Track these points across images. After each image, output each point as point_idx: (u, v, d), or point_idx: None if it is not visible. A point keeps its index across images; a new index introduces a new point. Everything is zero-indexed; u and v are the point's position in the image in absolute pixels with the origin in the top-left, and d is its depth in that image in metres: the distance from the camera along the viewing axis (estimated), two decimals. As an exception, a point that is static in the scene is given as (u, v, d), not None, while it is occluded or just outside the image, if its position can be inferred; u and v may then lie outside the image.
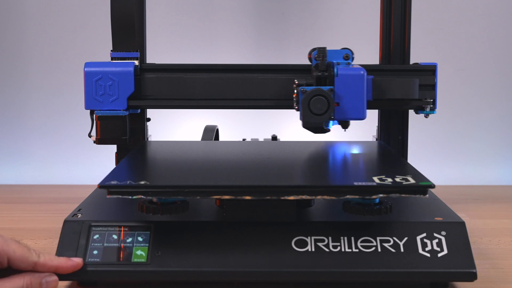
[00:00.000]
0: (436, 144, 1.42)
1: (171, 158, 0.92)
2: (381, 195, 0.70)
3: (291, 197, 0.70)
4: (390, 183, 0.71)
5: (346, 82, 0.85)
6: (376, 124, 1.08)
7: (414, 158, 1.09)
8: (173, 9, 1.40)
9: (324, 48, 0.87)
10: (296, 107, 0.86)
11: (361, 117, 0.86)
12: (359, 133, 1.26)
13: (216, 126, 1.10)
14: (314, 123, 0.85)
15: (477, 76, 1.41)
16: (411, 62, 1.03)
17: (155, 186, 0.71)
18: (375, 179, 0.73)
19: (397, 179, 0.73)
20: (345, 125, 0.90)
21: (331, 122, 0.89)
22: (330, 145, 1.03)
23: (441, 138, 1.42)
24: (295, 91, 0.85)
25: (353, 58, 0.91)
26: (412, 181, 0.72)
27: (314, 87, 0.84)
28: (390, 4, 1.02)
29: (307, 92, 0.83)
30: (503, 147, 1.43)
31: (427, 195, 0.71)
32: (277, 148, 0.98)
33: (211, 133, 1.08)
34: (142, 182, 0.72)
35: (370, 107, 0.92)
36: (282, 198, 0.70)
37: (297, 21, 1.40)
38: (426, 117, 0.98)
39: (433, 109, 0.96)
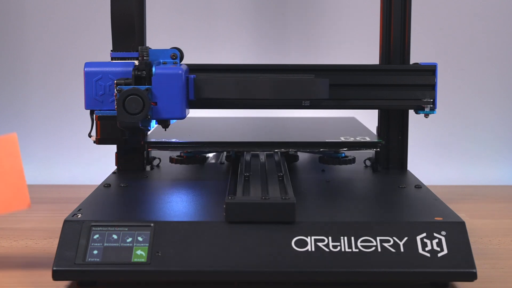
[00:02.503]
0: (436, 144, 1.42)
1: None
2: (345, 149, 0.99)
3: (282, 150, 0.99)
4: (352, 141, 0.98)
5: (162, 82, 0.85)
6: (376, 124, 1.08)
7: (414, 158, 1.10)
8: (173, 9, 1.40)
9: (146, 47, 0.87)
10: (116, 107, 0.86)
11: (179, 116, 0.86)
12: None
13: None
14: (129, 123, 0.84)
15: (477, 76, 1.41)
16: (411, 62, 1.03)
17: (183, 142, 1.00)
18: (342, 138, 1.00)
19: (358, 138, 1.00)
20: (165, 125, 0.90)
21: (153, 121, 0.89)
22: (314, 120, 1.26)
23: (441, 138, 1.42)
24: (115, 90, 0.85)
25: (181, 58, 0.91)
26: (368, 139, 1.00)
27: (130, 87, 0.84)
28: (390, 4, 1.02)
29: (122, 91, 0.83)
30: (503, 147, 1.43)
31: (378, 149, 1.00)
32: (271, 122, 1.23)
33: None
34: (173, 140, 0.99)
35: (194, 106, 0.92)
36: (276, 150, 1.00)
37: (297, 22, 1.40)
38: (426, 117, 0.98)
39: (433, 109, 0.96)
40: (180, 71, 0.85)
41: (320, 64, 0.97)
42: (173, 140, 0.99)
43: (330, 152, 1.03)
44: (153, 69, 0.85)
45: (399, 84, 0.97)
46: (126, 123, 0.84)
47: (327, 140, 0.99)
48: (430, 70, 0.96)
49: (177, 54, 0.90)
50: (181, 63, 0.91)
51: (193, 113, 0.94)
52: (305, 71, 0.94)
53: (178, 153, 1.05)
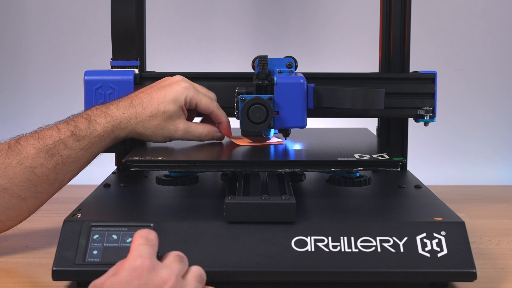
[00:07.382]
0: (436, 144, 1.42)
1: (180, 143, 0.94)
2: (360, 169, 0.81)
3: (286, 169, 0.80)
4: (367, 158, 0.80)
5: (285, 91, 0.85)
6: (376, 124, 1.08)
7: (414, 158, 1.10)
8: (173, 10, 1.40)
9: (265, 56, 0.87)
10: (236, 115, 0.87)
11: (301, 125, 0.87)
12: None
13: None
14: (253, 131, 0.86)
15: (477, 76, 1.41)
16: (411, 64, 1.02)
17: (171, 161, 0.81)
18: (356, 155, 0.82)
19: (374, 156, 0.82)
20: (285, 133, 0.91)
21: (272, 130, 0.89)
22: (320, 131, 1.09)
23: (441, 138, 1.42)
24: (236, 99, 0.86)
25: (296, 67, 0.91)
26: (386, 157, 0.81)
27: (253, 96, 0.85)
28: (390, 11, 1.02)
29: (246, 101, 0.84)
30: (503, 147, 1.43)
31: (399, 169, 0.80)
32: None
33: None
34: (160, 158, 0.81)
35: (312, 115, 0.91)
36: (279, 170, 0.80)
37: (297, 22, 1.40)
38: (426, 125, 0.98)
39: (432, 117, 0.96)
40: (302, 80, 0.86)
41: (320, 72, 0.96)
42: (160, 158, 0.82)
43: (342, 172, 0.89)
44: (275, 78, 0.85)
45: (398, 93, 0.96)
46: (250, 132, 0.86)
47: (339, 159, 0.80)
48: (429, 79, 0.96)
49: (292, 62, 0.90)
50: (296, 71, 0.91)
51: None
52: (307, 80, 0.93)
53: (166, 172, 0.91)
